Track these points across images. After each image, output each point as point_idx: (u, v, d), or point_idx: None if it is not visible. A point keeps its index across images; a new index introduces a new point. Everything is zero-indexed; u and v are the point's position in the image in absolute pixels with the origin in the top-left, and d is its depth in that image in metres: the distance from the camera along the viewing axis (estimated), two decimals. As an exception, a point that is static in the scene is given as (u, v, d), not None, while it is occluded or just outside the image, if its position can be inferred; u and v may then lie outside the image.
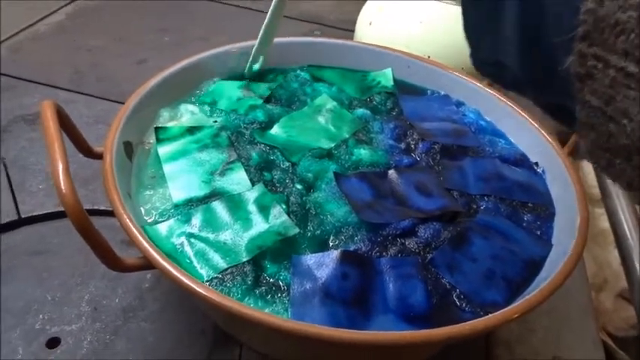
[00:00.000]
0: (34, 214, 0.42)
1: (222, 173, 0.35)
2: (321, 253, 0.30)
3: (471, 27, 0.22)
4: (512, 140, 0.42)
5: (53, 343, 0.35)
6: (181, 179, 0.34)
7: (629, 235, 0.46)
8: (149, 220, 0.32)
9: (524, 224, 0.35)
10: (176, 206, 0.32)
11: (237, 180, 0.34)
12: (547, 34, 0.18)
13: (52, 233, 0.41)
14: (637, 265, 0.45)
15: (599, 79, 0.15)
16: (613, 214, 0.48)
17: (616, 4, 0.15)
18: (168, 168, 0.35)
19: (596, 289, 0.64)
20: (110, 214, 0.38)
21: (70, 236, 0.40)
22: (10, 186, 0.45)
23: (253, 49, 0.41)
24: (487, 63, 0.23)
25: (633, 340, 0.66)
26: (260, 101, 0.41)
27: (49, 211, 0.42)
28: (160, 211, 0.33)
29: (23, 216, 0.42)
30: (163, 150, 0.36)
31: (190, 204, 0.33)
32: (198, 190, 0.33)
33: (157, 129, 0.37)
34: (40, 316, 0.36)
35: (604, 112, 0.16)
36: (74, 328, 0.35)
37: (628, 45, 0.15)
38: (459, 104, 0.46)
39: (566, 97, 0.17)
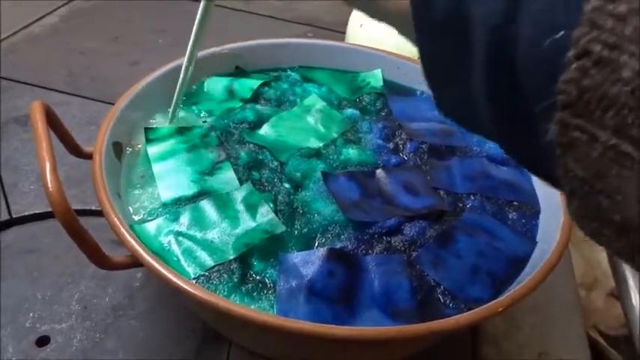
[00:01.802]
0: (26, 214, 0.43)
1: (211, 173, 0.35)
2: (307, 251, 0.31)
3: (433, 76, 0.20)
4: (499, 140, 0.43)
5: (43, 341, 0.35)
6: (170, 179, 0.34)
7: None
8: (138, 219, 0.33)
9: (510, 222, 0.35)
10: (164, 205, 0.33)
11: (226, 179, 0.35)
12: (521, 96, 0.16)
13: (43, 233, 0.42)
14: (624, 264, 0.45)
15: (584, 151, 0.14)
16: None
17: (603, 75, 0.13)
18: (157, 168, 0.35)
19: (587, 288, 0.65)
20: (101, 213, 0.39)
21: (60, 236, 0.40)
22: (2, 186, 0.45)
23: (174, 102, 0.39)
24: (453, 112, 0.22)
25: (625, 339, 0.66)
26: (239, 104, 0.42)
27: (40, 211, 0.43)
28: (148, 210, 0.33)
29: (14, 216, 0.42)
30: (152, 150, 0.37)
31: (179, 203, 0.33)
32: (187, 190, 0.34)
33: (146, 129, 0.38)
34: (31, 314, 0.36)
35: (592, 185, 0.14)
36: (64, 327, 0.36)
37: (619, 121, 0.13)
38: (448, 104, 0.46)
39: (546, 160, 0.16)
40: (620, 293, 0.45)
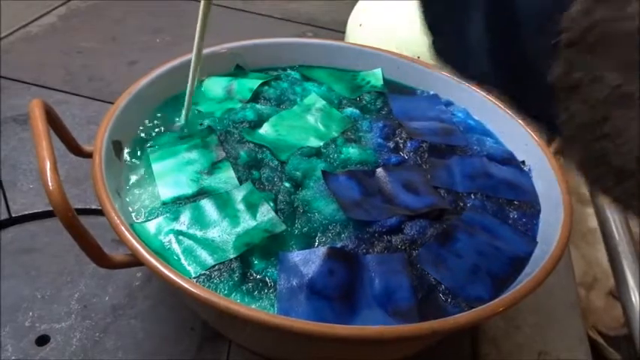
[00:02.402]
0: (25, 213, 0.42)
1: (210, 172, 0.35)
2: (307, 250, 0.31)
3: (431, 18, 0.20)
4: (499, 139, 0.43)
5: (43, 340, 0.35)
6: (170, 178, 0.34)
7: (615, 233, 0.46)
8: (138, 218, 0.32)
9: (510, 221, 0.35)
10: (164, 204, 0.33)
11: (225, 178, 0.35)
12: (523, 36, 0.16)
13: (42, 232, 0.42)
14: (624, 263, 0.45)
15: (588, 93, 0.14)
16: (601, 211, 0.49)
17: (611, 12, 0.13)
18: (157, 167, 0.35)
19: (587, 287, 0.65)
20: (102, 213, 0.39)
21: (60, 235, 0.40)
22: (1, 185, 0.45)
23: (186, 102, 0.39)
24: (449, 56, 0.21)
25: (625, 339, 0.66)
26: (239, 104, 0.42)
27: (40, 210, 0.42)
28: (149, 209, 0.33)
29: (14, 215, 0.42)
30: (153, 150, 0.36)
31: (178, 202, 0.33)
32: (187, 189, 0.34)
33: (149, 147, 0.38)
34: (30, 313, 0.36)
35: (594, 129, 0.14)
36: (64, 326, 0.36)
37: (623, 60, 0.13)
38: (448, 104, 0.46)
39: (547, 105, 0.15)
40: (620, 292, 0.45)
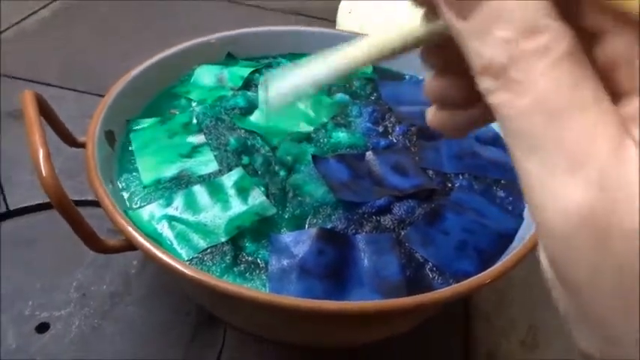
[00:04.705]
0: (22, 205, 0.43)
1: (190, 155, 0.36)
2: (298, 231, 0.31)
3: None
4: (488, 120, 0.43)
5: (42, 328, 0.36)
6: (150, 162, 0.35)
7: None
8: (131, 205, 0.33)
9: (498, 200, 0.36)
10: (144, 187, 0.34)
11: (204, 161, 0.36)
12: None
13: (40, 224, 0.42)
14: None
15: None
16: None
17: None
18: (139, 153, 0.36)
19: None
20: (97, 203, 0.39)
21: (57, 226, 0.40)
22: (-1, 179, 0.46)
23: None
24: None
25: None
26: (230, 92, 0.42)
27: (37, 202, 0.43)
28: (140, 195, 0.34)
29: (11, 208, 0.43)
30: (135, 137, 0.38)
31: (160, 185, 0.34)
32: (167, 171, 0.35)
33: (128, 120, 0.39)
34: (30, 302, 0.37)
35: None
36: (63, 314, 0.36)
37: None
38: (437, 88, 0.47)
39: None
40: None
